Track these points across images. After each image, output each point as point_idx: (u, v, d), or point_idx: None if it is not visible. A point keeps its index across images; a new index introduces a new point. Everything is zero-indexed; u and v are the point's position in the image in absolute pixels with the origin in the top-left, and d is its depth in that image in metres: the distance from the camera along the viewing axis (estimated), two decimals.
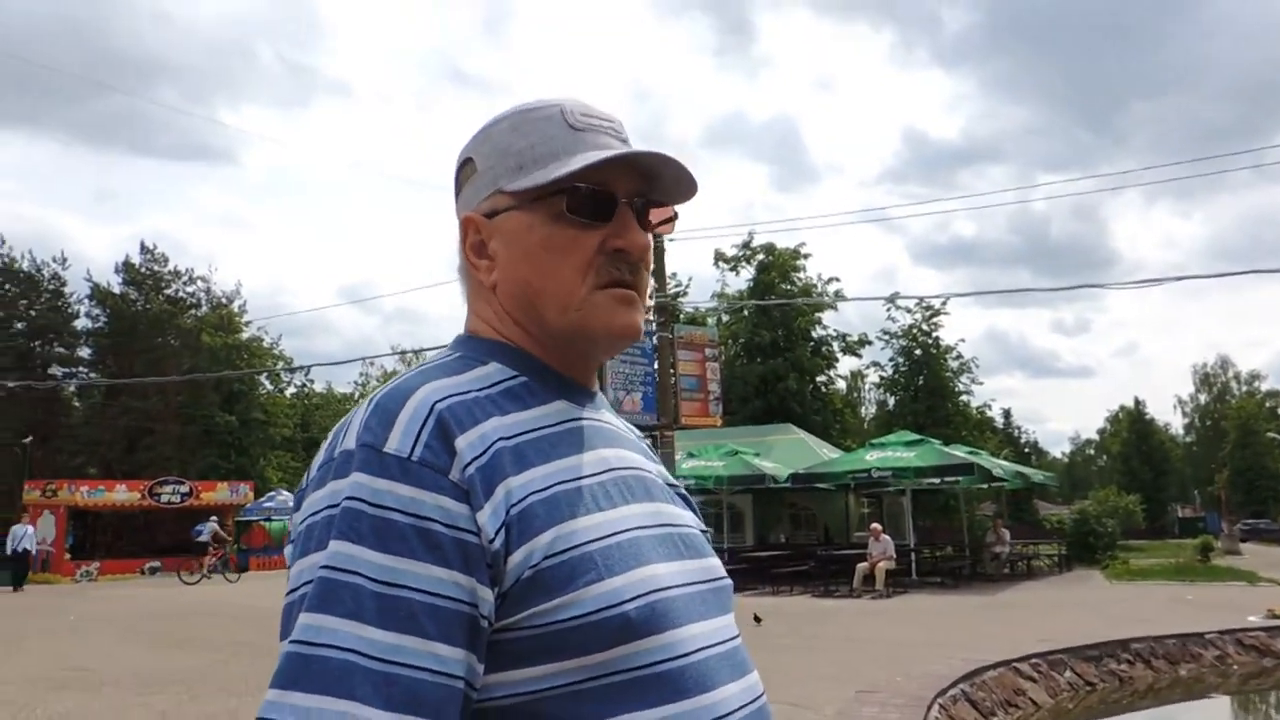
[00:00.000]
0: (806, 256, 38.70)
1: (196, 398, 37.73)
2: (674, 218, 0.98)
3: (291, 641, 0.72)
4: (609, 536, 0.81)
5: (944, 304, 36.54)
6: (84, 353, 41.87)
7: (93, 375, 40.57)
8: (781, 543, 23.64)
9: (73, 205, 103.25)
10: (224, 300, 42.91)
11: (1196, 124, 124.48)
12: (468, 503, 0.76)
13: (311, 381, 52.61)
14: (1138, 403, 67.97)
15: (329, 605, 0.71)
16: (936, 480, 20.46)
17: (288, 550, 0.80)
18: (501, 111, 0.95)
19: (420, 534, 0.74)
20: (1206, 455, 70.86)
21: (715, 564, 0.95)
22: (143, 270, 41.25)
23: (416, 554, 0.73)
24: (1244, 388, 75.21)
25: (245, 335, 42.36)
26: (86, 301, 40.91)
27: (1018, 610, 13.55)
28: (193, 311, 41.84)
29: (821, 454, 24.43)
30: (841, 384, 43.82)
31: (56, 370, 40.79)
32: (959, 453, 20.53)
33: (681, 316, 27.64)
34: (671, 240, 17.60)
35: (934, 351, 36.86)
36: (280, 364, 44.29)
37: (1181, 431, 79.00)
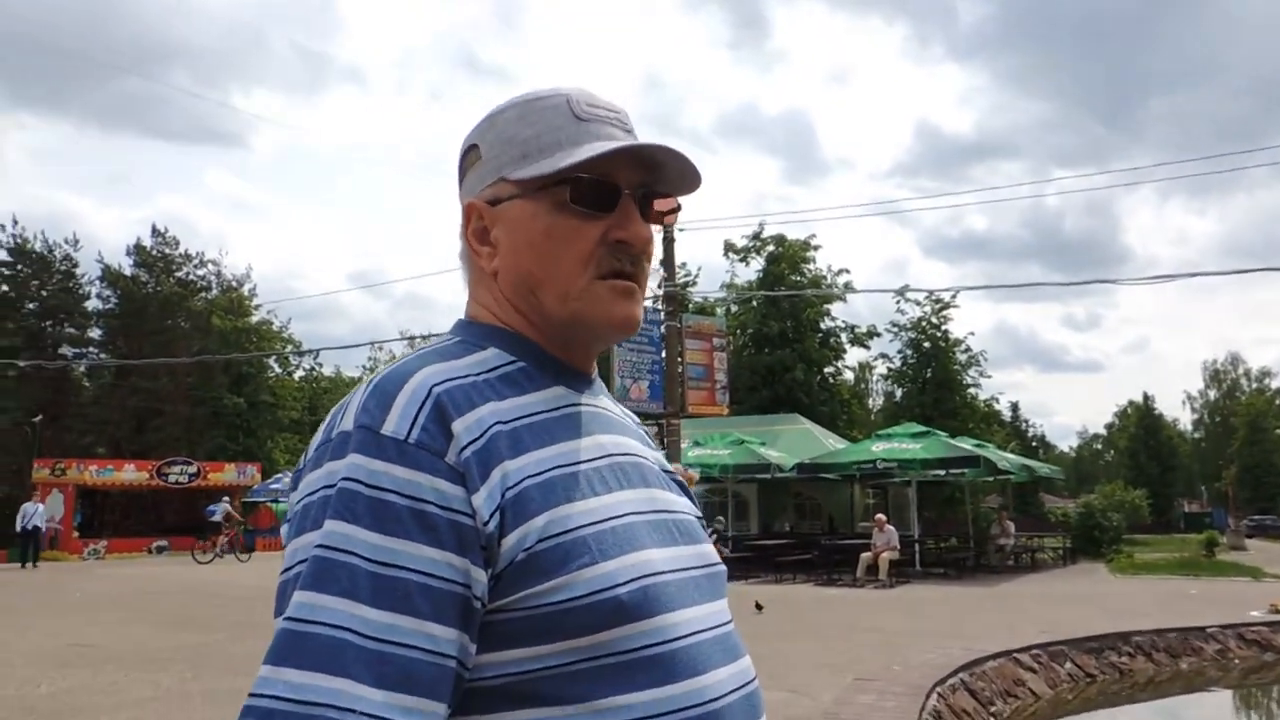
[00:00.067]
0: (817, 248, 38.61)
1: (205, 380, 37.90)
2: (676, 209, 0.99)
3: (286, 618, 0.73)
4: (603, 521, 0.82)
5: (954, 297, 36.46)
6: (94, 333, 42.08)
7: (103, 356, 40.77)
8: (786, 532, 23.67)
9: (85, 187, 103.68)
10: (234, 284, 43.09)
11: (1214, 120, 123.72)
12: (463, 485, 0.77)
13: (320, 365, 52.79)
14: (1146, 398, 67.72)
15: (324, 584, 0.72)
16: (942, 472, 20.42)
17: (284, 529, 0.82)
18: (507, 99, 0.96)
19: (415, 515, 0.75)
20: (1214, 451, 70.68)
21: (709, 550, 0.96)
22: (154, 253, 41.41)
23: (411, 535, 0.74)
24: (1254, 385, 74.93)
25: (255, 319, 42.49)
26: (98, 283, 41.13)
27: (1020, 602, 13.55)
28: (203, 294, 41.99)
29: (827, 444, 24.43)
30: (849, 375, 43.84)
31: (67, 350, 40.99)
32: (965, 445, 20.48)
33: (690, 306, 27.64)
34: (681, 230, 17.59)
35: (943, 344, 36.73)
36: (289, 347, 44.44)
37: (1190, 427, 78.85)
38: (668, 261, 17.17)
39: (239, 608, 12.11)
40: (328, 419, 0.83)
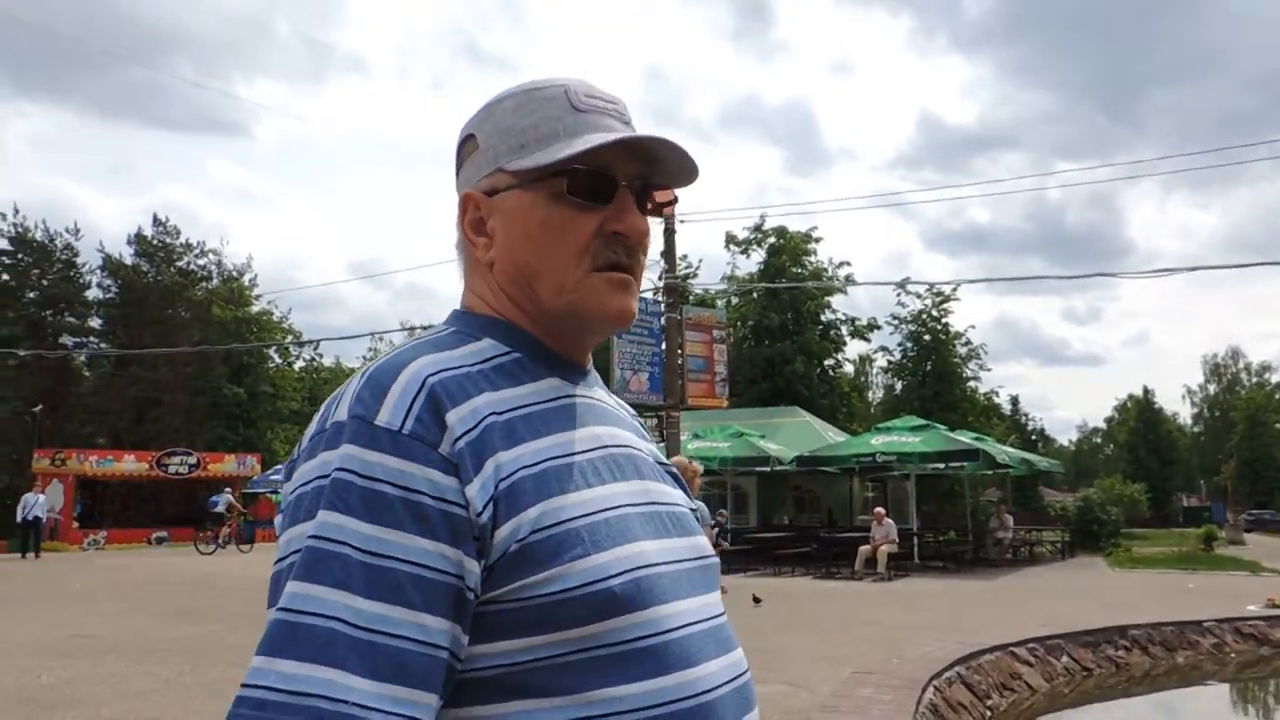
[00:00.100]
0: (818, 240, 38.63)
1: (205, 370, 37.91)
2: (673, 201, 0.99)
3: (278, 609, 0.73)
4: (597, 513, 0.82)
5: (954, 290, 36.43)
6: (95, 323, 42.10)
7: (103, 345, 40.76)
8: (785, 524, 23.70)
9: (87, 176, 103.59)
10: (235, 273, 43.10)
11: (1217, 114, 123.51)
12: (457, 476, 0.77)
13: (320, 356, 52.78)
14: (1146, 392, 67.68)
15: (316, 574, 0.72)
16: (941, 466, 20.46)
17: (278, 520, 0.82)
18: (506, 89, 0.95)
19: (408, 506, 0.75)
20: (1214, 446, 70.72)
21: (703, 542, 0.96)
22: (155, 242, 41.40)
23: (404, 526, 0.74)
24: (1254, 379, 74.93)
25: (255, 309, 42.49)
26: (98, 272, 41.14)
27: (1018, 595, 13.58)
28: (203, 284, 41.98)
29: (827, 437, 24.45)
30: (849, 368, 43.88)
31: (67, 340, 41.00)
32: (965, 439, 20.50)
33: (691, 298, 27.60)
34: (683, 222, 17.58)
35: (943, 338, 36.73)
36: (289, 338, 44.46)
37: (1189, 421, 78.90)
38: (668, 253, 17.15)
39: (239, 599, 12.13)
40: (322, 409, 0.83)
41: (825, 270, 39.12)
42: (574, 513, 0.81)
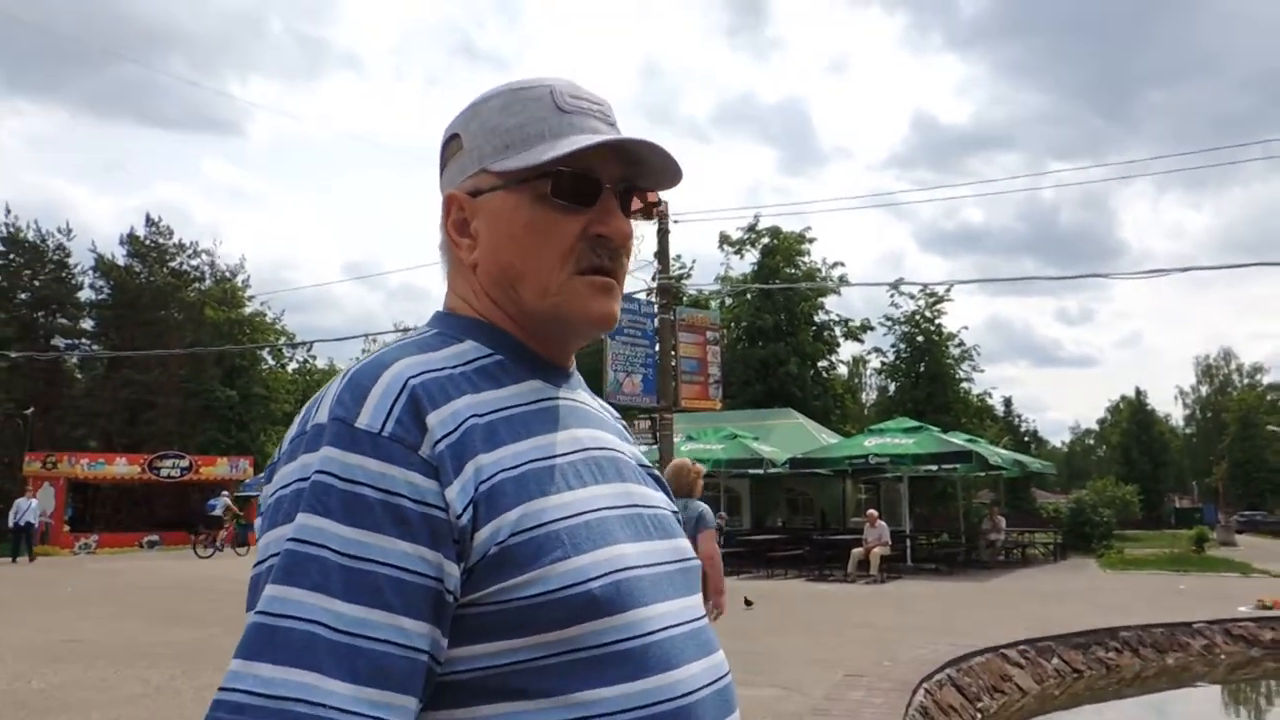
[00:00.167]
0: (812, 241, 38.60)
1: (198, 372, 37.75)
2: (657, 204, 0.99)
3: (257, 613, 0.72)
4: (577, 515, 0.82)
5: (948, 291, 36.47)
6: (87, 324, 41.86)
7: (95, 347, 40.57)
8: (778, 527, 23.72)
9: (79, 175, 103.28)
10: (228, 274, 42.90)
11: (1211, 115, 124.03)
12: (437, 479, 0.77)
13: (314, 357, 52.59)
14: (1139, 393, 67.90)
15: (295, 578, 0.72)
16: (934, 467, 20.48)
17: (258, 523, 0.82)
18: (491, 89, 0.95)
19: (388, 509, 0.74)
20: (1206, 447, 70.96)
21: (684, 545, 0.96)
22: (147, 242, 41.21)
23: (384, 529, 0.74)
24: (1246, 380, 75.21)
25: (248, 310, 42.33)
26: (90, 273, 40.91)
27: (1010, 597, 13.61)
28: (196, 285, 41.81)
29: (820, 439, 24.46)
30: (843, 369, 43.86)
31: (59, 341, 40.72)
32: (957, 440, 20.54)
33: (684, 299, 27.61)
34: (676, 222, 17.55)
35: (936, 338, 36.78)
36: (283, 339, 44.31)
37: (1182, 423, 79.12)
38: (661, 254, 17.15)
39: (232, 603, 12.08)
40: (303, 411, 0.83)
41: (819, 271, 39.15)
42: (554, 515, 0.81)
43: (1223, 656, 10.11)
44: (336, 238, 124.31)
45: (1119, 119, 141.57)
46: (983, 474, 23.15)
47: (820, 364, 38.79)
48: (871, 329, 39.68)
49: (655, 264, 17.22)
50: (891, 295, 36.94)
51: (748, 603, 11.76)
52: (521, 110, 0.91)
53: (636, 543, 0.87)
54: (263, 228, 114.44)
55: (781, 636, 9.31)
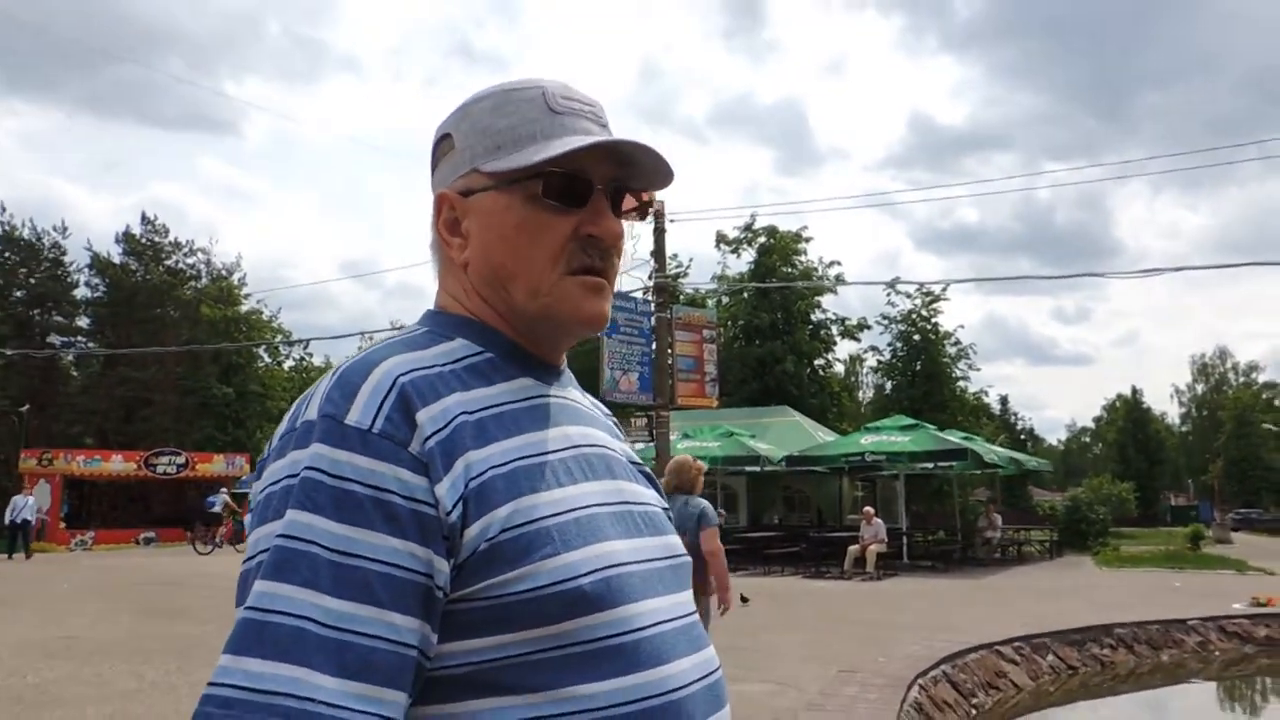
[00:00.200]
0: (808, 240, 38.63)
1: (194, 369, 37.69)
2: (648, 204, 0.99)
3: (246, 608, 0.73)
4: (567, 512, 0.83)
5: (944, 290, 36.50)
6: (83, 322, 41.78)
7: (91, 345, 40.49)
8: (775, 524, 23.74)
9: (75, 173, 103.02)
10: (224, 272, 42.83)
11: (1206, 115, 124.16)
12: (426, 475, 0.77)
13: (310, 355, 52.52)
14: (1135, 391, 67.94)
15: (284, 573, 0.72)
16: (930, 465, 20.50)
17: (248, 519, 0.82)
18: (483, 89, 0.95)
19: (378, 505, 0.75)
20: (1201, 445, 71.09)
21: (675, 541, 0.97)
22: (143, 241, 41.11)
23: (374, 525, 0.74)
24: (1241, 379, 75.34)
25: (244, 308, 42.26)
26: (86, 271, 40.81)
27: (1006, 594, 13.63)
28: (192, 283, 41.73)
29: (817, 437, 24.48)
30: (839, 367, 43.88)
31: (55, 339, 40.70)
32: (953, 438, 20.55)
33: (681, 298, 27.62)
34: (673, 221, 17.54)
35: (932, 337, 36.81)
36: (279, 337, 44.24)
37: (1177, 421, 79.23)
38: (658, 252, 17.16)
39: (227, 599, 11.85)
40: (293, 408, 0.84)
41: (815, 270, 39.17)
42: (544, 512, 0.81)
43: (1217, 653, 10.14)
44: (334, 237, 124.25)
45: (1114, 120, 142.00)
46: (979, 472, 23.17)
47: (817, 362, 38.82)
48: (868, 328, 39.73)
49: (652, 263, 17.23)
50: (888, 294, 36.97)
51: (744, 600, 11.76)
52: (513, 111, 0.91)
53: (627, 539, 0.87)
54: (260, 227, 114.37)
55: (777, 633, 9.32)
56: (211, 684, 0.71)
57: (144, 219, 41.81)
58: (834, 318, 39.80)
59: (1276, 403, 69.13)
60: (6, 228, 39.17)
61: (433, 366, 0.85)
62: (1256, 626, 10.74)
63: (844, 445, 20.84)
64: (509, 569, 0.77)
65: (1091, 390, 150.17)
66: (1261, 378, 74.73)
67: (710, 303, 34.68)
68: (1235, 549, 26.68)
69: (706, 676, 0.88)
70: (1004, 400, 68.01)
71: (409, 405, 0.79)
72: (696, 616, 0.94)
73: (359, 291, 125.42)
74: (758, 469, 20.96)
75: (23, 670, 7.26)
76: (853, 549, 17.03)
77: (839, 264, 40.38)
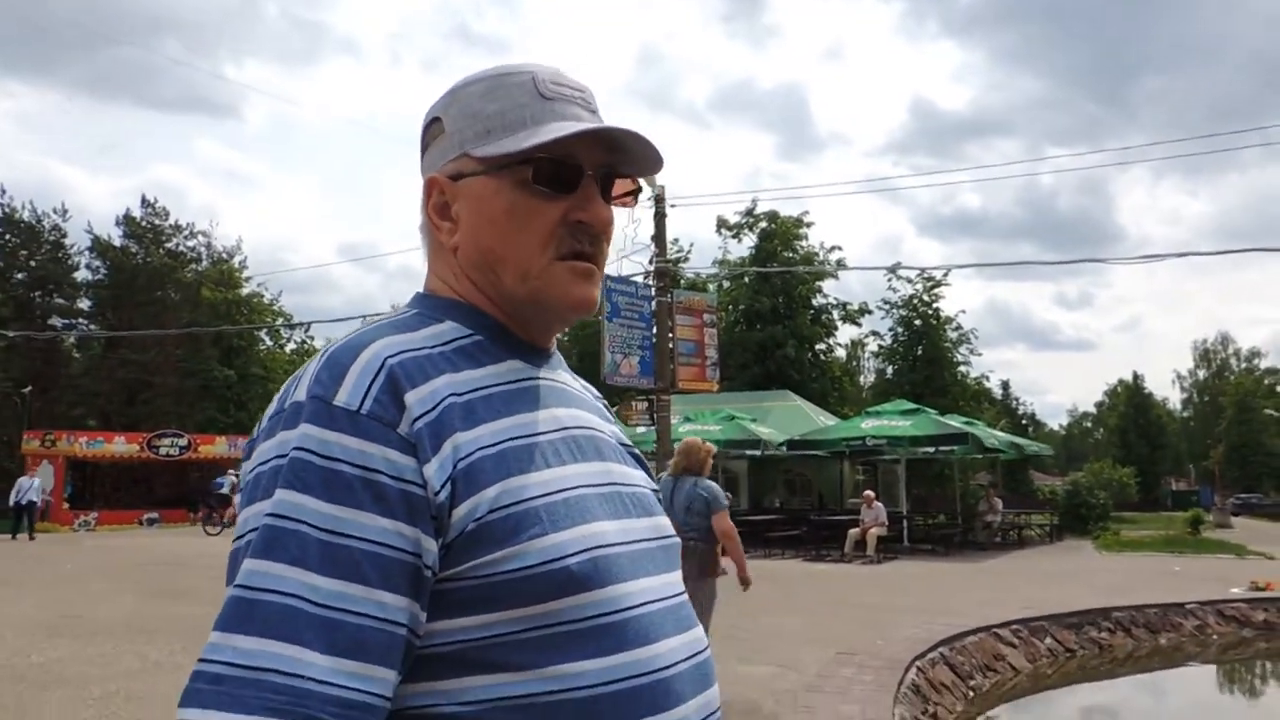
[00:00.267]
0: (809, 225, 38.53)
1: (195, 352, 37.71)
2: (637, 190, 0.99)
3: (236, 586, 0.74)
4: (555, 493, 0.83)
5: (945, 275, 36.43)
6: (84, 304, 41.75)
7: (92, 327, 40.50)
8: (776, 508, 23.79)
9: (76, 156, 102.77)
10: (224, 255, 42.80)
11: (1208, 101, 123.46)
12: (415, 456, 0.78)
13: (311, 338, 52.52)
14: (1136, 377, 67.90)
15: (274, 552, 0.73)
16: (931, 449, 20.51)
17: (237, 499, 0.83)
18: (473, 73, 0.95)
19: (366, 485, 0.76)
20: (1203, 430, 71.12)
21: (664, 522, 0.97)
22: (143, 223, 41.03)
23: (362, 504, 0.75)
24: (1243, 364, 75.30)
25: (245, 291, 42.26)
26: (87, 253, 40.75)
27: (1005, 578, 13.67)
28: (193, 266, 41.69)
29: (818, 421, 24.50)
30: (841, 352, 43.81)
31: (56, 321, 40.70)
32: (954, 423, 20.56)
33: (682, 282, 27.57)
34: (674, 206, 17.48)
35: (934, 322, 36.77)
36: (280, 320, 44.24)
37: (1179, 406, 79.23)
38: (659, 237, 17.12)
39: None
40: (282, 389, 0.84)
41: (817, 255, 39.07)
42: (532, 493, 0.82)
43: (1215, 637, 10.19)
44: (334, 220, 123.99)
45: (1116, 105, 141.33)
46: (980, 456, 23.19)
47: (818, 347, 38.78)
48: (869, 313, 39.69)
49: (653, 247, 17.19)
50: (889, 279, 36.92)
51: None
52: (504, 96, 0.91)
53: (615, 520, 0.88)
54: (260, 209, 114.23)
55: (778, 616, 9.37)
56: (202, 660, 0.72)
57: (144, 201, 41.72)
58: (835, 302, 39.76)
59: (1278, 389, 69.08)
60: (7, 209, 39.11)
61: (421, 349, 0.85)
62: (1254, 611, 10.78)
63: (845, 429, 20.85)
64: (497, 549, 0.78)
65: (1093, 376, 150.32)
66: (1263, 363, 74.79)
67: (711, 287, 34.63)
68: (1235, 534, 26.73)
69: (694, 656, 0.89)
70: (1005, 385, 68.09)
71: (397, 387, 0.80)
72: (685, 597, 0.95)
73: (360, 275, 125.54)
74: (759, 453, 20.98)
75: (26, 650, 7.31)
76: (853, 532, 17.08)
77: (840, 249, 40.36)
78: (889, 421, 19.66)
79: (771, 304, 36.66)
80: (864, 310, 39.73)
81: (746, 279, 37.29)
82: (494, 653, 0.78)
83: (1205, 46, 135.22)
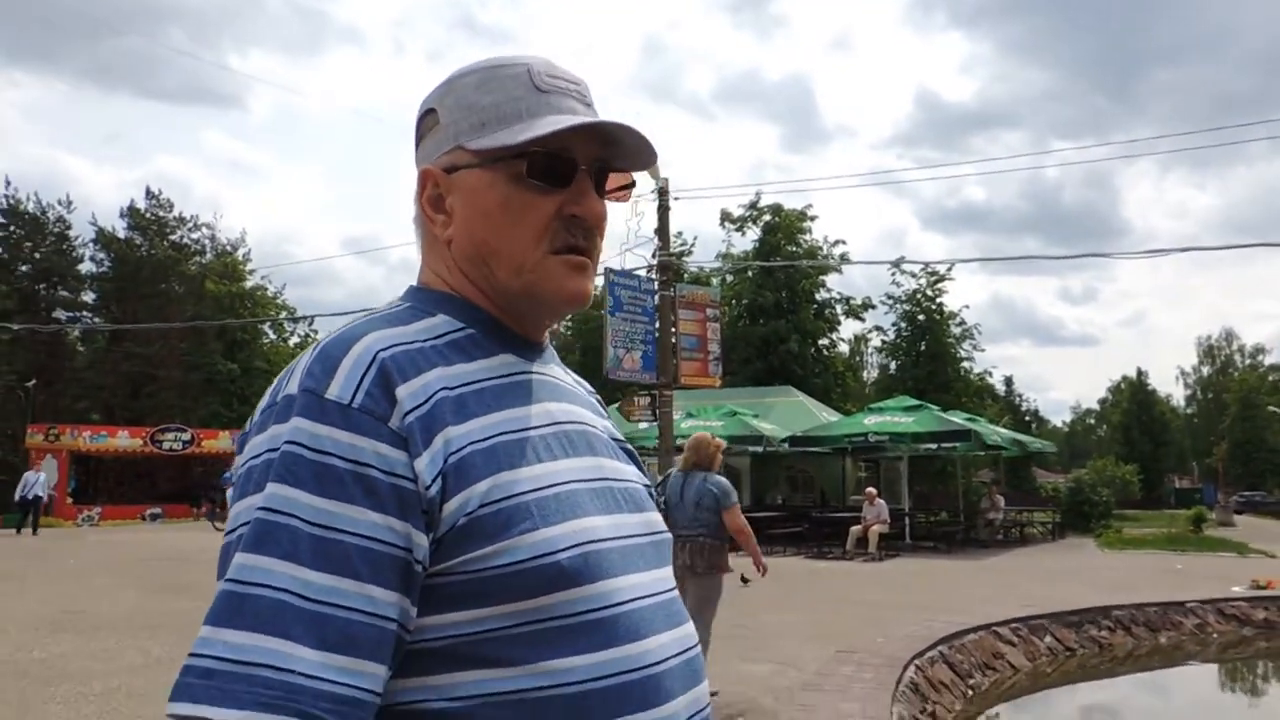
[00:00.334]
0: (813, 218, 38.43)
1: (199, 345, 37.76)
2: (631, 184, 0.99)
3: (227, 580, 0.74)
4: (546, 488, 0.83)
5: (949, 270, 36.36)
6: (88, 297, 41.83)
7: (96, 320, 40.55)
8: (778, 504, 23.79)
9: (80, 147, 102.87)
10: (228, 248, 42.83)
11: (1216, 94, 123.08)
12: (406, 450, 0.78)
13: (315, 332, 52.54)
14: (1140, 373, 67.80)
15: (264, 546, 0.73)
16: (934, 446, 20.50)
17: (229, 493, 0.83)
18: (468, 64, 0.95)
19: (358, 479, 0.76)
20: (1206, 427, 71.04)
21: (655, 518, 0.98)
22: (148, 215, 41.06)
23: (353, 499, 0.75)
24: (1248, 361, 75.17)
25: (249, 284, 42.28)
26: (91, 245, 40.82)
27: (1007, 576, 13.66)
28: (197, 258, 41.71)
29: (821, 417, 24.47)
30: (844, 347, 43.77)
31: (60, 314, 40.78)
32: (957, 419, 20.54)
33: (685, 276, 27.57)
34: (677, 199, 17.45)
35: (937, 317, 36.69)
36: (284, 313, 44.27)
37: (1182, 403, 79.16)
38: (662, 230, 17.10)
39: None
40: (274, 383, 0.84)
41: (820, 249, 39.00)
42: (523, 487, 0.82)
43: (1215, 635, 10.18)
44: (338, 212, 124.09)
45: (1123, 98, 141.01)
46: (982, 453, 23.18)
47: (821, 342, 38.70)
48: (873, 307, 39.60)
49: (656, 240, 17.17)
50: (893, 274, 36.82)
51: (744, 580, 11.81)
52: (498, 88, 0.91)
53: (606, 515, 0.88)
54: (264, 202, 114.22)
55: (779, 613, 9.37)
56: (192, 655, 0.72)
57: (148, 193, 41.80)
58: (838, 297, 39.65)
59: None
60: (11, 201, 39.15)
61: (414, 342, 0.85)
62: (1255, 609, 10.76)
63: (848, 426, 20.84)
64: (488, 543, 0.78)
65: (1097, 372, 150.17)
66: (1268, 360, 74.63)
67: (714, 281, 34.61)
68: (1238, 532, 26.70)
69: (685, 652, 0.89)
70: (1009, 381, 68.03)
71: (389, 380, 0.80)
72: (676, 593, 0.95)
73: (363, 268, 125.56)
74: (761, 449, 20.96)
75: (29, 645, 7.33)
76: (855, 529, 17.07)
77: (844, 243, 40.27)
78: (892, 418, 19.65)
79: (775, 298, 36.59)
80: (867, 305, 39.66)
81: (750, 273, 37.22)
82: (485, 648, 0.78)
83: (1212, 39, 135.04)
